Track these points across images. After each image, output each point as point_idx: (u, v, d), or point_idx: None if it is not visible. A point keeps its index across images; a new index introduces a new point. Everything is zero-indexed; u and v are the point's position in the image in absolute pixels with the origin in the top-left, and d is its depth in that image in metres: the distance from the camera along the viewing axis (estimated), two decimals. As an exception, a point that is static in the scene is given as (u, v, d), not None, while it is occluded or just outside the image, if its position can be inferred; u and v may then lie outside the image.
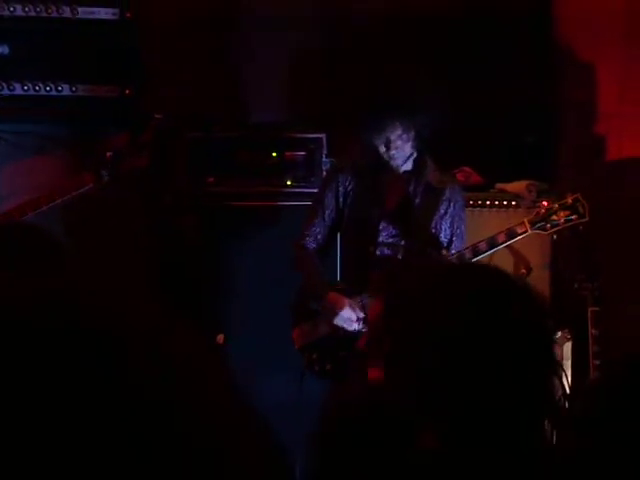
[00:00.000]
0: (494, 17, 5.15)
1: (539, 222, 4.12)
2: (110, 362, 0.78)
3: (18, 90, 4.60)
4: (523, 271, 4.38)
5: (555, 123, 5.12)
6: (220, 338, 4.64)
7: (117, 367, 0.78)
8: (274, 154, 4.92)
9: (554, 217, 4.12)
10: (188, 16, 5.15)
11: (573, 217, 4.11)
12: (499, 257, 4.19)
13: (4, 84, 4.59)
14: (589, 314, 4.17)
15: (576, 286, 4.21)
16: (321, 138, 4.90)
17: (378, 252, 4.16)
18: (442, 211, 4.17)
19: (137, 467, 0.76)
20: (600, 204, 4.30)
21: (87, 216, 4.67)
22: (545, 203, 4.19)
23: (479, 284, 1.79)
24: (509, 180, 4.83)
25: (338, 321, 4.10)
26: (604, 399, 1.66)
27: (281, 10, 5.18)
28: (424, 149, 4.16)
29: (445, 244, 4.15)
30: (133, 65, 4.71)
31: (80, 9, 4.61)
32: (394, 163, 4.10)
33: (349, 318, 4.10)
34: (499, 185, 4.85)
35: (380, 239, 4.16)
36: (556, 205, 4.13)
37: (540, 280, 4.45)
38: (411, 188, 4.18)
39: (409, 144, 4.07)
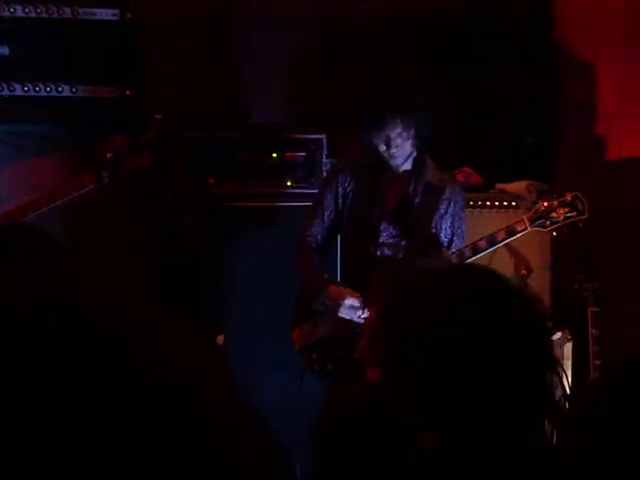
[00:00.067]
0: (494, 17, 5.15)
1: (538, 219, 4.12)
2: (110, 362, 0.78)
3: (18, 91, 4.60)
4: (524, 272, 4.37)
5: (555, 123, 5.12)
6: (220, 339, 4.64)
7: (117, 367, 0.78)
8: (274, 155, 4.92)
9: (553, 214, 4.11)
10: (188, 16, 5.15)
11: (572, 214, 4.11)
12: (500, 258, 4.19)
13: (4, 85, 4.59)
14: (589, 314, 4.17)
15: (576, 286, 4.21)
16: (321, 139, 4.90)
17: (379, 253, 4.16)
18: (442, 210, 4.16)
19: (137, 467, 0.76)
20: (600, 204, 4.30)
21: (87, 217, 4.67)
22: (545, 202, 4.19)
23: (479, 284, 1.79)
24: (509, 180, 4.83)
25: (343, 311, 4.09)
26: (605, 399, 1.66)
27: (281, 10, 5.18)
28: (424, 148, 4.16)
29: (446, 244, 4.15)
30: (133, 66, 4.71)
31: (80, 10, 4.62)
32: (394, 162, 4.10)
33: (352, 305, 4.08)
34: (499, 185, 4.85)
35: (381, 240, 4.16)
36: (555, 202, 4.12)
37: (540, 281, 4.45)
38: (411, 188, 4.18)
39: (409, 142, 4.07)
